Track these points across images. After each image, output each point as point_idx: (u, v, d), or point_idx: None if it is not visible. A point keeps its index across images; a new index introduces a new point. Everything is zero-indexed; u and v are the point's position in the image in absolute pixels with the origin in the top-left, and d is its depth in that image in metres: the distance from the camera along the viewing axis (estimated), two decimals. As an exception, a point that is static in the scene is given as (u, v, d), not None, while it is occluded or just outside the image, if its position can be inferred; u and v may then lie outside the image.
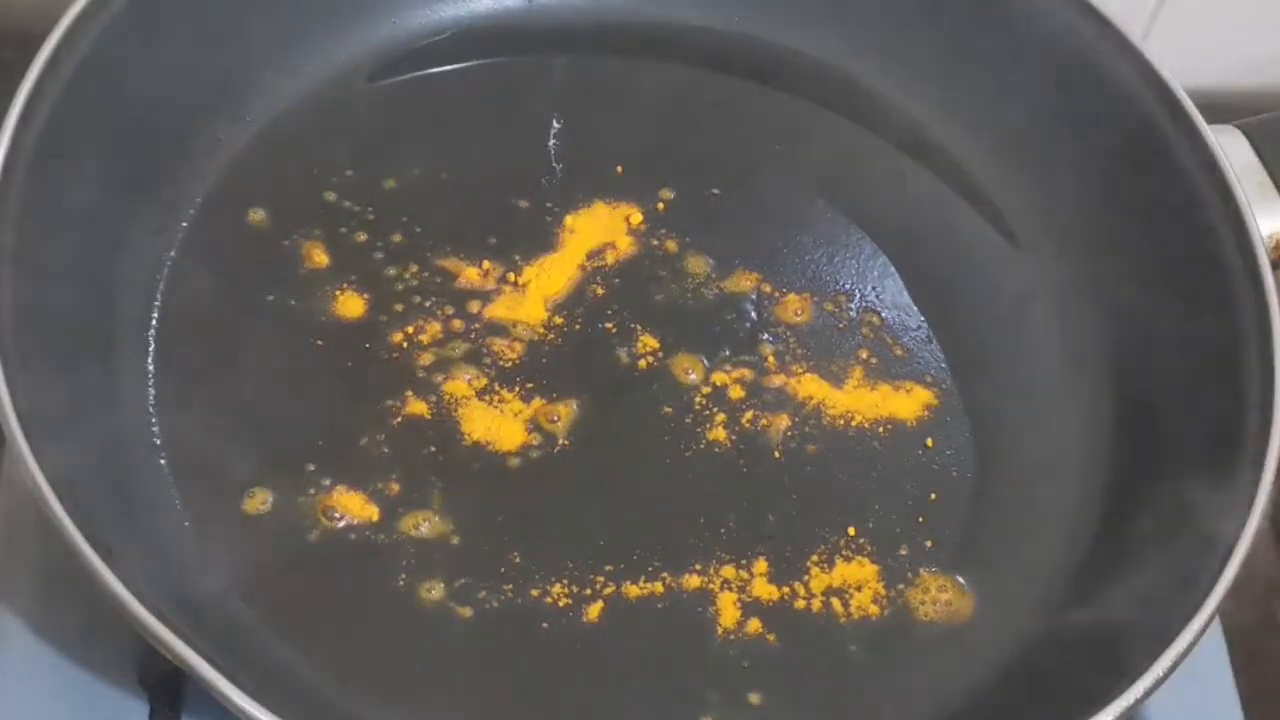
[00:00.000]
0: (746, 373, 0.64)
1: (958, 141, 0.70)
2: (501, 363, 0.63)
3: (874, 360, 0.65)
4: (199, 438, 0.59)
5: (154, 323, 0.61)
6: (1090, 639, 0.58)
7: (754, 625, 0.59)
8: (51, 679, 0.57)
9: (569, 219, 0.66)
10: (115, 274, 0.61)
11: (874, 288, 0.67)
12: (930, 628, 0.60)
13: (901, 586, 0.60)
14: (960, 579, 0.61)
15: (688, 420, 0.63)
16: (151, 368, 0.60)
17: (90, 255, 0.60)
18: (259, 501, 0.58)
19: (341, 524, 0.59)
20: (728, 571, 0.60)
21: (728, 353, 0.64)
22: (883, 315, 0.66)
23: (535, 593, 0.58)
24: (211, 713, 0.52)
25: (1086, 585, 0.60)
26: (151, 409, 0.59)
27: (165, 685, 0.57)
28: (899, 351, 0.65)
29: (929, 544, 0.61)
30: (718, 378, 0.64)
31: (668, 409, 0.63)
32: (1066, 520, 0.62)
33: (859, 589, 0.60)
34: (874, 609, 0.60)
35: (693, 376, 0.64)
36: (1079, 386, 0.65)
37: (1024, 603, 0.60)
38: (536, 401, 0.62)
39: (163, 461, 0.59)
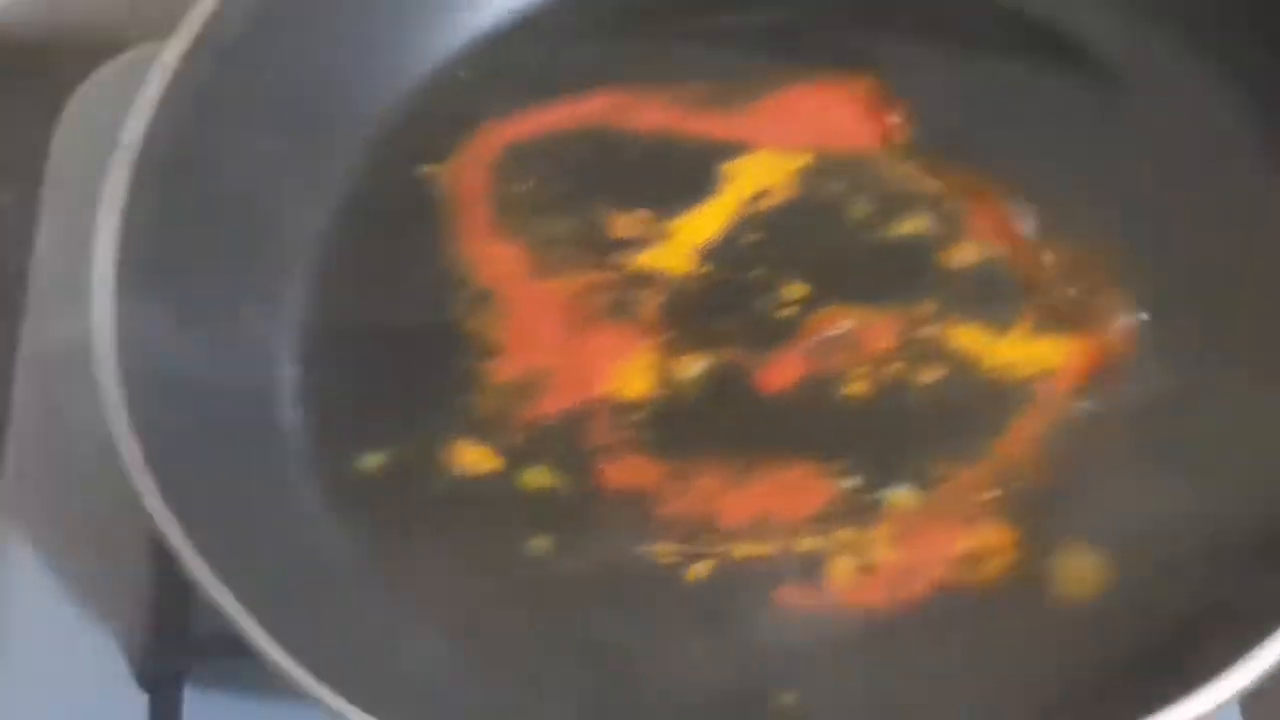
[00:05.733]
0: (900, 321, 0.61)
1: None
2: (643, 311, 0.62)
3: (1044, 308, 0.60)
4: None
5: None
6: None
7: (870, 589, 0.56)
8: (51, 680, 0.59)
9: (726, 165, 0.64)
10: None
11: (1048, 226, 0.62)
12: (1065, 600, 0.55)
13: (1039, 555, 0.56)
14: (1104, 550, 0.56)
15: (829, 374, 0.60)
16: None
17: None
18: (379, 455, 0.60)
19: (461, 474, 0.59)
20: (845, 535, 0.57)
21: (884, 300, 0.61)
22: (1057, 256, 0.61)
23: (643, 549, 0.57)
24: (212, 713, 0.55)
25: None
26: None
27: (165, 686, 0.58)
28: (1072, 294, 0.60)
29: (1072, 513, 0.57)
30: (868, 326, 0.60)
31: (809, 361, 0.60)
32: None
33: (993, 555, 0.56)
34: (1007, 577, 0.56)
35: (844, 324, 0.61)
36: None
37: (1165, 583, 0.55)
38: (671, 351, 0.61)
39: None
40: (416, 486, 0.59)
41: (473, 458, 0.60)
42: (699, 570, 0.57)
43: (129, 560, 0.58)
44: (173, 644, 0.58)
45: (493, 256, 0.63)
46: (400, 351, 0.62)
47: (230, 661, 0.53)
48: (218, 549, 0.52)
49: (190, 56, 0.60)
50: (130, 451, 0.53)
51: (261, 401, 0.60)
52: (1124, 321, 0.59)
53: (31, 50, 0.57)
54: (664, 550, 0.57)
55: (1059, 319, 0.60)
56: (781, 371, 0.60)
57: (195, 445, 0.56)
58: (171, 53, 0.59)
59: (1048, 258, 0.61)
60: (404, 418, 0.61)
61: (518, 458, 0.59)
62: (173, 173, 0.59)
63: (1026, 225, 0.61)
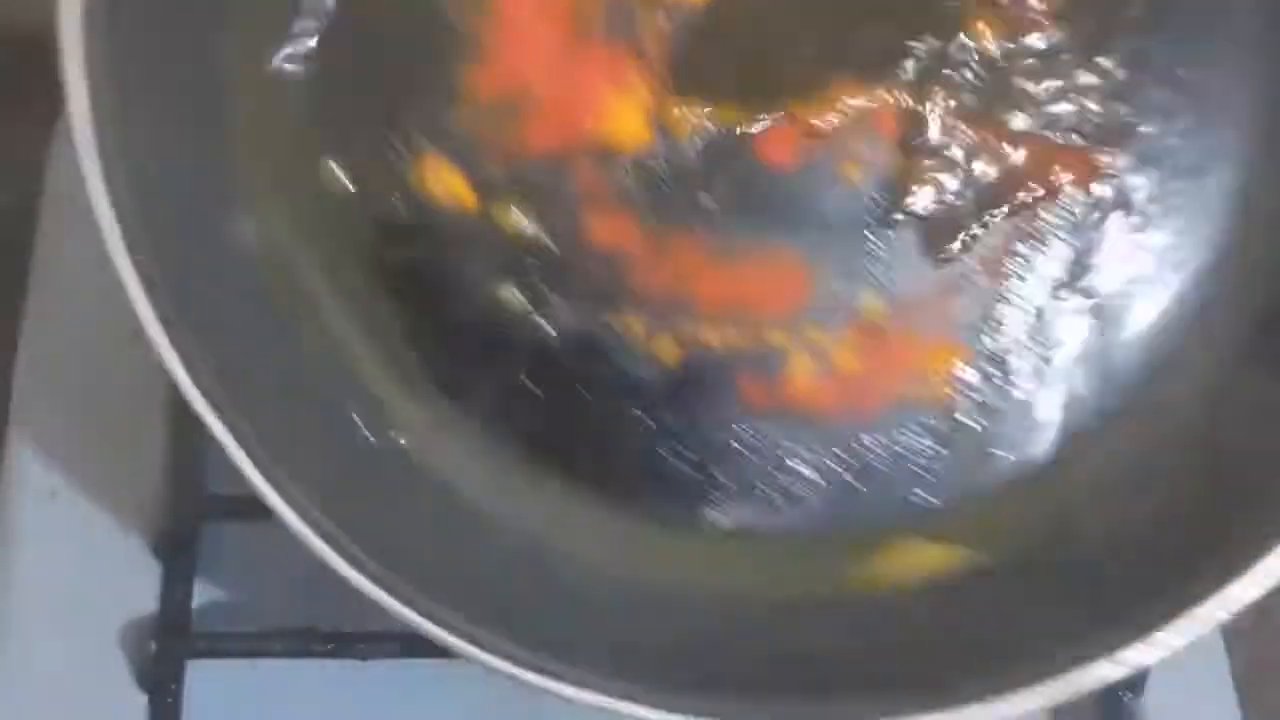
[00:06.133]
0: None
1: None
2: (647, 36, 0.56)
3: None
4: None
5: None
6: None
7: (827, 393, 0.58)
8: (51, 679, 0.58)
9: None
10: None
11: None
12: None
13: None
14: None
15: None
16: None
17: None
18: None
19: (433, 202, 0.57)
20: (813, 334, 0.57)
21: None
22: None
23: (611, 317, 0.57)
24: (211, 713, 0.55)
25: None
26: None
27: (165, 686, 0.58)
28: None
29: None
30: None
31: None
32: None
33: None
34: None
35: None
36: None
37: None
38: (670, 92, 0.56)
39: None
40: (383, 212, 0.57)
41: (447, 186, 0.57)
42: (663, 346, 0.57)
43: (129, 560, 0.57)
44: (173, 642, 0.58)
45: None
46: (380, 42, 0.57)
47: (230, 661, 0.54)
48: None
49: None
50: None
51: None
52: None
53: (31, 50, 0.50)
54: (632, 321, 0.57)
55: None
56: (784, 144, 0.57)
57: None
58: None
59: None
60: (376, 124, 0.57)
61: (495, 193, 0.57)
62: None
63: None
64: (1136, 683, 0.58)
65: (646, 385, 0.57)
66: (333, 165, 0.57)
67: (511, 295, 0.57)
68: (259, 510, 0.49)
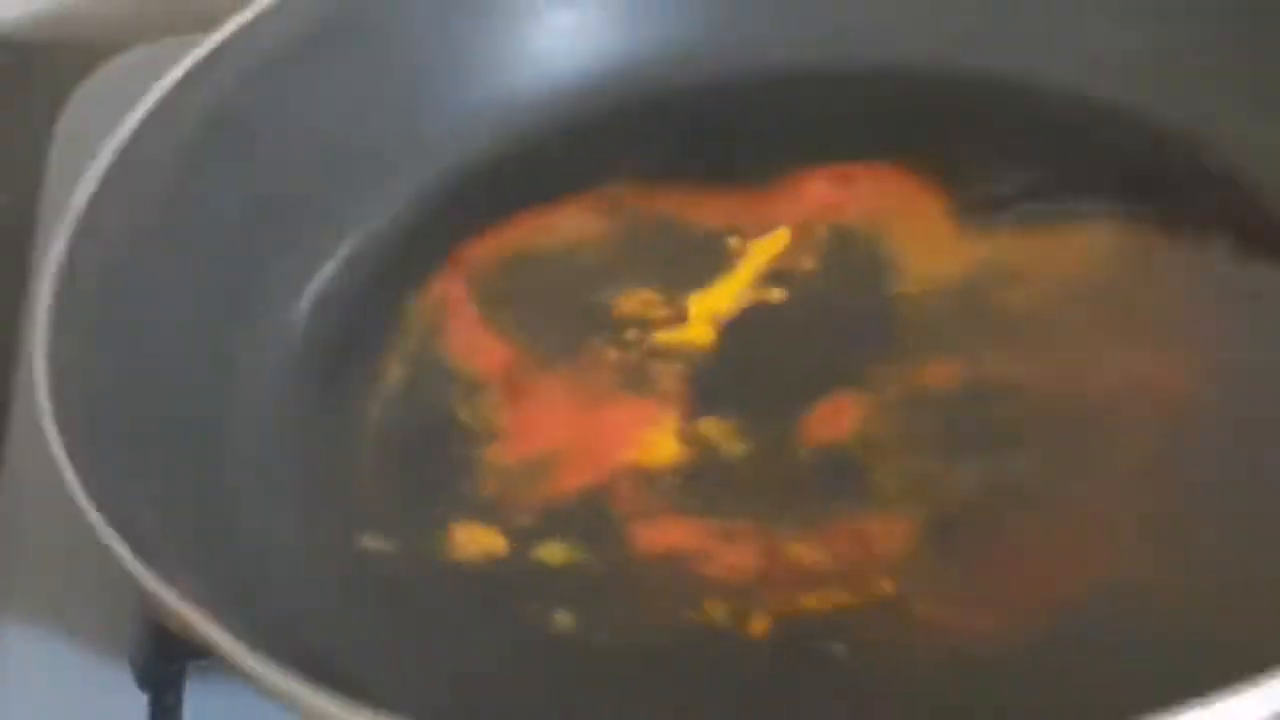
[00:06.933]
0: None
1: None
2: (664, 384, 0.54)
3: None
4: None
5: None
6: None
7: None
8: (50, 678, 0.54)
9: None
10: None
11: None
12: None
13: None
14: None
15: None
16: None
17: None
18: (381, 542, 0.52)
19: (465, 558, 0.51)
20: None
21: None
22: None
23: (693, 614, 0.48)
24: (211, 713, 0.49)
25: None
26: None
27: (165, 686, 0.52)
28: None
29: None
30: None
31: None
32: None
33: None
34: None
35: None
36: None
37: None
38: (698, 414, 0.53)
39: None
40: (418, 575, 0.51)
41: (477, 541, 0.51)
42: (758, 625, 0.48)
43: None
44: (172, 644, 0.50)
45: (485, 349, 0.56)
46: (389, 447, 0.54)
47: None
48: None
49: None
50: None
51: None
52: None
53: (31, 50, 0.56)
54: (713, 607, 0.48)
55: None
56: (828, 421, 0.52)
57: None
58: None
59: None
60: (398, 508, 0.52)
61: (529, 536, 0.51)
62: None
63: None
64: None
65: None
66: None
67: (564, 619, 0.48)
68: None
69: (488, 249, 0.60)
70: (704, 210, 0.60)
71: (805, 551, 0.49)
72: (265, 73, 0.59)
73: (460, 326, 0.57)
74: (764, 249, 0.58)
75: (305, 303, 0.58)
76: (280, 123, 0.59)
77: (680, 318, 0.56)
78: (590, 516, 0.51)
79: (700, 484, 0.51)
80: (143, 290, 0.54)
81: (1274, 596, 0.46)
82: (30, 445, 0.57)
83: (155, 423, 0.52)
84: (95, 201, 0.53)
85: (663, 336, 0.56)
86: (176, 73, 0.56)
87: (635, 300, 0.57)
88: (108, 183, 0.54)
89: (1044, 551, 0.48)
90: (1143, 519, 0.48)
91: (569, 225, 0.60)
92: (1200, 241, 0.57)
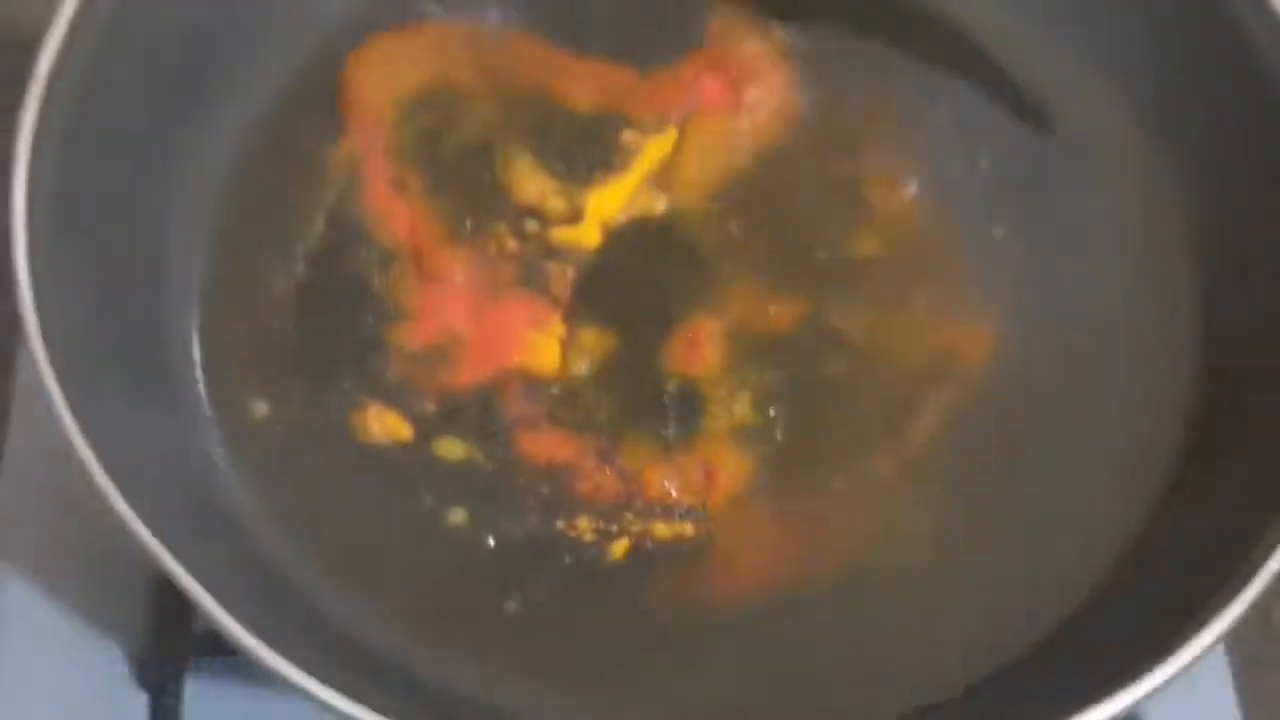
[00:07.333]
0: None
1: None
2: (554, 285, 0.62)
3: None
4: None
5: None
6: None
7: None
8: (50, 678, 0.58)
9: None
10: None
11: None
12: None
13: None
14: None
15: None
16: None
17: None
18: (290, 410, 0.59)
19: (373, 440, 0.59)
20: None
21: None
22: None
23: (561, 525, 0.58)
24: (211, 713, 0.54)
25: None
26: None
27: (165, 686, 0.58)
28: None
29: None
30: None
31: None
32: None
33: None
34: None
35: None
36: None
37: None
38: (581, 324, 0.61)
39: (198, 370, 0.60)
40: (328, 449, 0.59)
41: (384, 424, 0.59)
42: (617, 549, 0.58)
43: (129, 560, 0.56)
44: (173, 644, 0.57)
45: (396, 214, 0.63)
46: (305, 309, 0.61)
47: (230, 660, 0.53)
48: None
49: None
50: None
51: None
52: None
53: (32, 50, 0.55)
54: (584, 526, 0.58)
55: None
56: (684, 354, 0.61)
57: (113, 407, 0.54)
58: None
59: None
60: (311, 378, 0.60)
61: (430, 427, 0.59)
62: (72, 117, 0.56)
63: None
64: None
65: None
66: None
67: (459, 517, 0.58)
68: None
69: (384, 89, 0.64)
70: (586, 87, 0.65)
71: (659, 480, 0.59)
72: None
73: (374, 184, 0.63)
74: (655, 148, 0.64)
75: (232, 144, 0.63)
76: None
77: (576, 216, 0.63)
78: (483, 415, 0.59)
79: (577, 398, 0.60)
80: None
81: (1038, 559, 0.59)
82: (30, 445, 0.61)
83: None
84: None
85: (559, 235, 0.63)
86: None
87: (535, 187, 0.63)
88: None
89: (842, 509, 0.59)
90: (932, 489, 0.60)
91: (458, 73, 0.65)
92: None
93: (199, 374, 0.59)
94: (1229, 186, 0.61)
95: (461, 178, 0.63)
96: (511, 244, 0.62)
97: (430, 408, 0.59)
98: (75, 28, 0.56)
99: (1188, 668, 0.50)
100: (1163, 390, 0.61)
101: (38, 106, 0.55)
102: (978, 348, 0.61)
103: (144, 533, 0.50)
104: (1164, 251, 0.63)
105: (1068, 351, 0.62)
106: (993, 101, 0.65)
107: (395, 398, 0.59)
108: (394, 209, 0.62)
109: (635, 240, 0.63)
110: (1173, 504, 0.59)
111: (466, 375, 0.60)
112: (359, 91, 0.64)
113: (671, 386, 0.60)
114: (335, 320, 0.61)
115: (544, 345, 0.61)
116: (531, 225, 0.62)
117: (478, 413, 0.59)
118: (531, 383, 0.60)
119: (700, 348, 0.61)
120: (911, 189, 0.63)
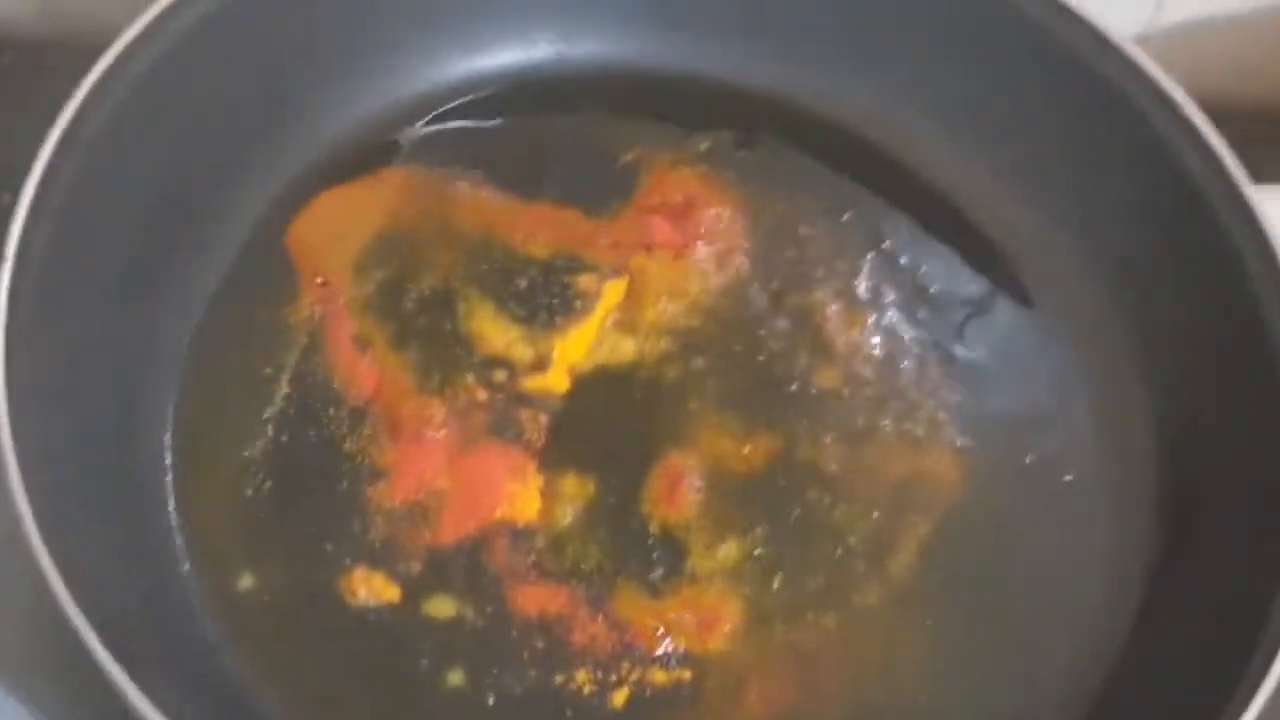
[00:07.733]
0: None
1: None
2: (528, 432, 0.62)
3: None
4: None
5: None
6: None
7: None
8: None
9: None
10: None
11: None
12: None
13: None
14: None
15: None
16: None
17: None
18: (276, 579, 0.58)
19: (362, 604, 0.58)
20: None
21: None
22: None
23: (560, 679, 0.58)
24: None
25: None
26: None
27: None
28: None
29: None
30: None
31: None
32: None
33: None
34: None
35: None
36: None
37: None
38: (559, 472, 0.61)
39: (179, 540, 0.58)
40: (318, 617, 0.57)
41: (370, 587, 0.58)
42: (617, 698, 0.57)
43: None
44: None
45: (362, 371, 0.62)
46: (279, 475, 0.60)
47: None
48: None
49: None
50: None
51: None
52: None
53: (31, 50, 0.53)
54: (582, 679, 0.58)
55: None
56: (664, 496, 0.61)
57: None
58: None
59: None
60: (293, 546, 0.58)
61: (418, 586, 0.58)
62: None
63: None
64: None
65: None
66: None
67: (458, 678, 0.57)
68: None
69: (338, 242, 0.64)
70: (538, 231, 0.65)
71: (652, 627, 0.59)
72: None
73: (337, 341, 0.62)
74: (613, 291, 0.64)
75: (195, 309, 0.62)
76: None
77: (543, 364, 0.63)
78: (470, 571, 0.59)
79: (564, 548, 0.60)
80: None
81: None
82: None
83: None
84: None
85: (528, 383, 0.62)
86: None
87: (500, 337, 0.63)
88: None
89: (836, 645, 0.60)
90: (922, 618, 0.60)
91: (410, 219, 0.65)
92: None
93: (181, 548, 0.58)
94: (1177, 312, 0.64)
95: (425, 330, 0.63)
96: (481, 394, 0.62)
97: (416, 567, 0.58)
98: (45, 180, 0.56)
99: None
100: (1130, 503, 0.62)
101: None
102: (949, 474, 0.63)
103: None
104: (1116, 370, 0.65)
105: (1034, 470, 0.63)
106: (937, 230, 0.67)
107: (380, 559, 0.58)
108: (359, 366, 0.62)
109: (604, 383, 0.63)
110: (1153, 615, 0.60)
111: (450, 531, 0.59)
112: (310, 249, 0.64)
113: (655, 529, 0.60)
114: (311, 484, 0.60)
115: (524, 495, 0.60)
116: (499, 374, 0.62)
117: (465, 569, 0.59)
118: (516, 534, 0.60)
119: (679, 486, 0.61)
120: (868, 318, 0.65)
